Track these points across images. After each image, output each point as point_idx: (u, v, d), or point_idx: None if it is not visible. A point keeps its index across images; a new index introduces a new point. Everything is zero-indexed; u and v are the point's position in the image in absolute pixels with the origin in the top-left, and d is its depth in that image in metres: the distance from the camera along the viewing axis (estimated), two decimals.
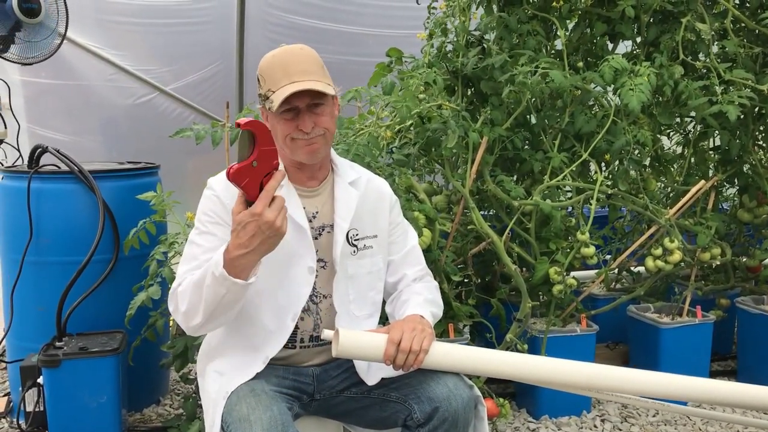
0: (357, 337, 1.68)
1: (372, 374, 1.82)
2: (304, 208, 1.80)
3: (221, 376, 1.76)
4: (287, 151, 1.76)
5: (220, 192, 1.76)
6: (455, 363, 1.76)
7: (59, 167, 2.86)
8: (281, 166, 1.63)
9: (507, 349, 2.78)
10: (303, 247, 1.78)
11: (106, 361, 2.54)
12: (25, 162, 2.96)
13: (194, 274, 1.66)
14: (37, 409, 2.61)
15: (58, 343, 2.61)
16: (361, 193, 1.87)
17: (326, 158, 1.85)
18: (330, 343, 1.72)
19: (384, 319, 2.02)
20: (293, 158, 1.77)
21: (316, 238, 1.82)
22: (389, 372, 1.77)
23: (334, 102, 1.79)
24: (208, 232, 1.75)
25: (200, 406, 1.88)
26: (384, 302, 1.99)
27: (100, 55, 4.39)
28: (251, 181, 1.50)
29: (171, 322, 2.96)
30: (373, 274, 1.90)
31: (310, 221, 1.82)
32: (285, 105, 1.68)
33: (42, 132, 4.34)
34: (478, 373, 1.86)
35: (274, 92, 1.68)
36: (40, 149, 2.88)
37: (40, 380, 2.58)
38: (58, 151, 2.83)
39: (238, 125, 1.46)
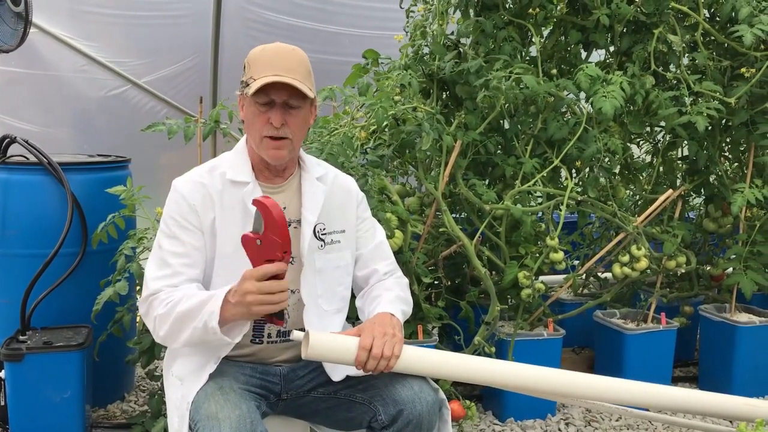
0: (327, 340, 1.68)
1: (338, 371, 1.82)
2: None
3: (182, 384, 1.75)
4: (256, 147, 1.78)
5: (186, 193, 1.77)
6: (425, 367, 1.77)
7: (27, 158, 2.82)
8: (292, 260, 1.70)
9: (475, 352, 2.80)
10: None
11: (70, 356, 2.50)
12: None
13: (175, 297, 1.68)
14: None
15: (21, 337, 2.57)
16: (328, 188, 1.89)
17: (293, 159, 1.87)
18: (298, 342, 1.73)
19: (353, 313, 2.02)
20: (260, 155, 1.79)
21: None
22: (355, 370, 1.77)
23: (311, 110, 1.81)
24: (175, 237, 1.76)
25: (165, 403, 1.86)
26: (353, 297, 2.00)
27: (72, 45, 4.32)
28: (254, 255, 1.59)
29: (138, 318, 2.94)
30: (341, 268, 1.91)
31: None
32: (262, 95, 1.69)
33: (10, 122, 4.26)
34: (447, 377, 1.87)
35: (255, 80, 1.69)
36: (8, 139, 2.83)
37: (2, 374, 2.54)
38: (26, 142, 2.79)
39: (254, 201, 1.56)
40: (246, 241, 1.59)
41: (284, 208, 1.83)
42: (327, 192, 1.87)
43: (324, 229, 1.87)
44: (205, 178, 1.80)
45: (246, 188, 1.78)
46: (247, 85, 1.72)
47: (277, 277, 1.59)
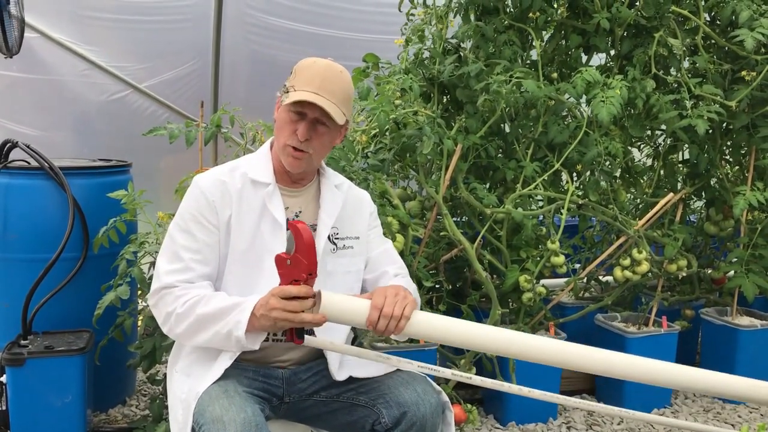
0: (339, 300, 1.69)
1: (341, 370, 1.84)
2: (287, 207, 1.85)
3: (188, 377, 1.76)
4: (278, 151, 1.82)
5: (206, 189, 1.80)
6: (434, 333, 1.75)
7: (29, 163, 2.82)
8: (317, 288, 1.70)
9: (476, 355, 2.80)
10: (277, 243, 1.80)
11: (71, 360, 2.50)
12: None
13: (193, 296, 1.70)
14: None
15: (23, 342, 2.57)
16: (345, 196, 1.93)
17: (313, 170, 1.91)
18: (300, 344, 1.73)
19: None
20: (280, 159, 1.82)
21: None
22: (358, 371, 1.80)
23: (340, 131, 1.84)
24: (188, 231, 1.78)
25: (167, 407, 1.86)
26: None
27: (73, 50, 4.33)
28: (283, 274, 1.64)
29: (139, 323, 2.93)
30: (352, 274, 1.93)
31: (293, 219, 1.85)
32: (297, 105, 1.73)
33: (11, 126, 4.27)
34: (456, 345, 1.85)
35: (296, 90, 1.73)
36: (9, 144, 2.84)
37: (3, 379, 2.53)
38: (28, 146, 2.79)
39: (289, 224, 1.62)
40: (278, 260, 1.64)
41: (300, 211, 1.88)
42: (344, 199, 1.92)
43: (337, 233, 1.90)
44: (226, 176, 1.83)
45: (266, 189, 1.82)
46: (288, 91, 1.75)
47: (303, 297, 1.63)
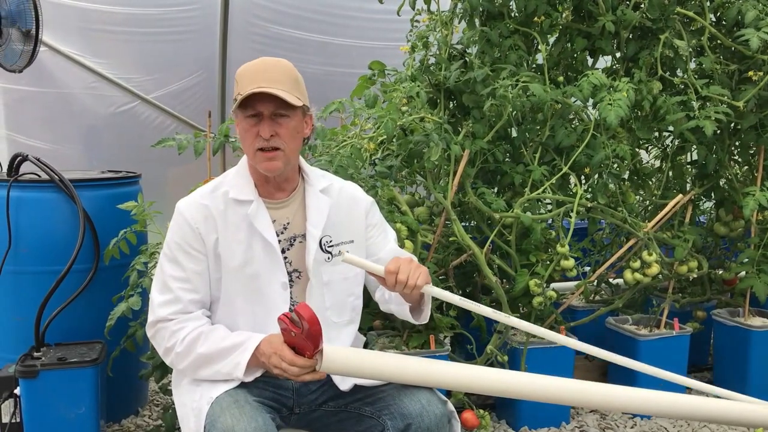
0: (342, 354, 1.68)
1: (346, 380, 1.82)
2: (274, 221, 1.82)
3: (199, 387, 1.76)
4: (252, 161, 1.80)
5: (189, 216, 1.79)
6: (431, 378, 1.76)
7: (39, 176, 2.84)
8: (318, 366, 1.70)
9: (487, 361, 2.80)
10: (273, 263, 1.80)
11: (84, 371, 2.51)
12: (5, 170, 2.93)
13: (190, 332, 1.72)
14: (13, 421, 2.57)
15: (36, 354, 2.57)
16: (333, 200, 1.89)
17: (293, 171, 1.86)
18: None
19: (364, 324, 2.03)
20: (257, 169, 1.80)
21: (288, 249, 1.84)
22: (363, 380, 1.79)
23: (303, 120, 1.80)
24: (175, 261, 1.78)
25: (178, 419, 1.87)
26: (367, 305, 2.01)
27: (81, 62, 4.37)
28: (285, 335, 1.64)
29: None
30: (350, 279, 1.91)
31: (282, 233, 1.84)
32: (249, 108, 1.71)
33: (21, 139, 4.31)
34: (458, 389, 1.87)
35: (241, 95, 1.71)
36: (20, 157, 2.86)
37: (17, 391, 2.55)
38: (38, 160, 2.81)
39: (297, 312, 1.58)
40: (282, 326, 1.62)
41: (288, 223, 1.85)
42: (332, 204, 1.88)
43: (330, 241, 1.87)
44: (208, 198, 1.81)
45: (250, 207, 1.80)
46: (236, 100, 1.74)
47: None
